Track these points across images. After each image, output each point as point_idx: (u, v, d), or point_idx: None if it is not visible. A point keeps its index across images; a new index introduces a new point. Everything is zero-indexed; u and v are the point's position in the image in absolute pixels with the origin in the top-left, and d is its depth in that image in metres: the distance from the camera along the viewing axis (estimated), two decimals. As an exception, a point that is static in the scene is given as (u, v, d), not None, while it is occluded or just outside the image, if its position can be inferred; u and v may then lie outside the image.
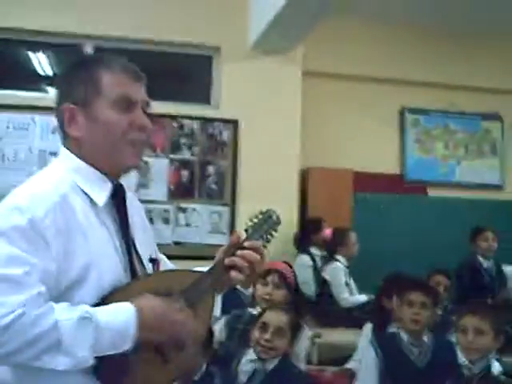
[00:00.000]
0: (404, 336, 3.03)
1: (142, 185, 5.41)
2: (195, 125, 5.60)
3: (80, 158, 1.50)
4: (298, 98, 5.72)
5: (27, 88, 5.55)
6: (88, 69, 1.51)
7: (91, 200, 1.48)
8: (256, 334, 2.72)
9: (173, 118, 5.55)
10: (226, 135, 5.64)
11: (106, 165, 1.51)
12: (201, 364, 2.49)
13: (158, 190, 5.47)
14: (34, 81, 5.79)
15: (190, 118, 5.59)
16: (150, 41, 5.60)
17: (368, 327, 3.53)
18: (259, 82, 5.66)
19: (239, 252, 1.56)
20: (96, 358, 1.33)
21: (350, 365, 3.45)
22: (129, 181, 5.28)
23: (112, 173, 1.53)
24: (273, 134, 5.65)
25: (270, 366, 2.66)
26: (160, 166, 5.49)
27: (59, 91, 1.55)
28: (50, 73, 5.82)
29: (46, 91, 5.90)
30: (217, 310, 1.63)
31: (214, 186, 5.60)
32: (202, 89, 5.82)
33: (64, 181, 1.46)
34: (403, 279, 3.47)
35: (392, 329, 3.26)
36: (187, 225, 5.50)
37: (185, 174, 5.55)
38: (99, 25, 5.42)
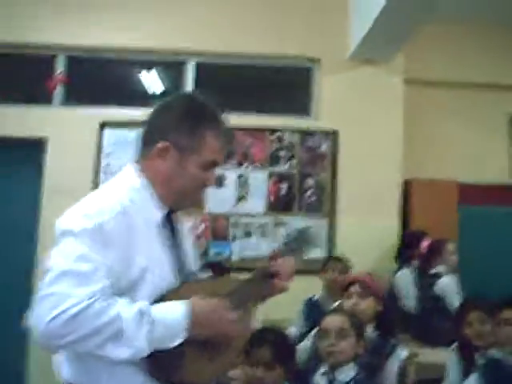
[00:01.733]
0: (509, 358, 2.84)
1: (240, 198, 5.48)
2: (294, 137, 5.60)
3: (147, 181, 1.69)
4: (399, 107, 5.58)
5: (133, 104, 5.77)
6: (199, 124, 1.68)
7: (148, 217, 1.66)
8: (321, 343, 2.65)
9: (272, 130, 5.58)
10: (325, 147, 5.59)
11: (167, 200, 1.71)
12: (279, 383, 2.46)
13: (257, 202, 5.49)
14: (139, 98, 6.01)
15: (290, 130, 5.60)
16: (250, 55, 5.67)
17: (452, 350, 3.36)
18: (359, 92, 5.58)
19: (277, 262, 1.77)
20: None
21: (444, 386, 3.28)
22: (228, 194, 5.37)
23: (167, 205, 1.73)
24: (373, 144, 5.54)
25: (343, 376, 2.55)
26: (259, 179, 5.52)
27: (165, 122, 1.70)
28: (155, 90, 6.03)
29: (151, 107, 6.11)
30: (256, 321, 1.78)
31: (313, 199, 5.55)
32: (302, 101, 5.81)
33: (126, 196, 1.64)
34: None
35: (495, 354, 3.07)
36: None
37: (284, 186, 5.55)
38: (201, 42, 5.58)
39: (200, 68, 5.76)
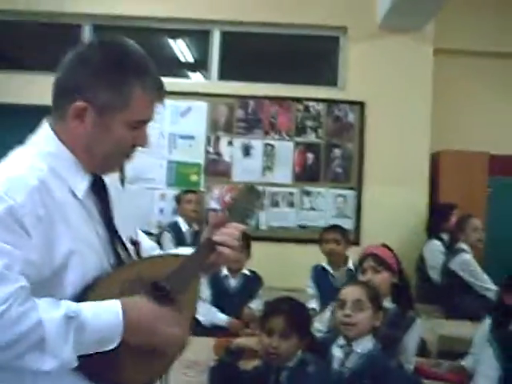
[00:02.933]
0: None
1: (266, 168, 5.45)
2: (321, 107, 5.52)
3: (65, 146, 1.42)
4: (428, 78, 5.46)
5: (159, 73, 5.72)
6: (123, 77, 1.40)
7: (71, 188, 1.40)
8: (337, 314, 2.62)
9: (298, 100, 5.52)
10: (352, 117, 5.51)
11: (90, 166, 1.44)
12: (294, 352, 2.44)
13: (283, 173, 5.47)
14: (165, 66, 5.98)
15: (316, 100, 5.52)
16: (277, 24, 5.59)
17: (486, 323, 3.26)
18: (387, 62, 5.48)
19: (222, 230, 1.55)
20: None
21: (466, 360, 3.22)
22: (254, 163, 5.34)
23: (92, 171, 1.46)
24: (401, 115, 5.45)
25: (360, 348, 2.51)
26: (285, 149, 5.49)
27: (80, 77, 1.41)
28: (182, 59, 6.00)
29: (176, 76, 6.05)
30: (204, 292, 1.61)
31: (339, 170, 5.50)
32: (328, 70, 5.74)
33: (44, 164, 1.38)
34: None
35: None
36: (312, 208, 5.46)
37: (310, 156, 5.50)
38: (227, 10, 5.52)
39: (226, 37, 5.72)
